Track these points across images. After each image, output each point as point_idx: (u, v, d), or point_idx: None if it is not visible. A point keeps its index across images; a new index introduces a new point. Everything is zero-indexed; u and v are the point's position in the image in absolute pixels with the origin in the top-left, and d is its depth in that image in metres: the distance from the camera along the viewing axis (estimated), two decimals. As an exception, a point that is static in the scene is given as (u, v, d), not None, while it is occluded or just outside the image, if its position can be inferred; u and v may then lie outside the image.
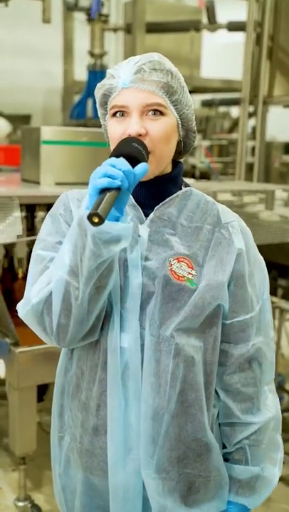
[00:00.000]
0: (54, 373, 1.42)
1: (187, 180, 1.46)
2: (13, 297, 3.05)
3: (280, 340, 3.02)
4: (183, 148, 1.31)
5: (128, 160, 1.10)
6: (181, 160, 1.37)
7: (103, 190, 1.06)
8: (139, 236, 1.25)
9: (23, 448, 2.61)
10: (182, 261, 1.24)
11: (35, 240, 1.32)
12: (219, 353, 1.29)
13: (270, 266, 1.42)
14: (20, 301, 1.25)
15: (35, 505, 2.74)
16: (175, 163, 1.32)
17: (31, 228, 2.70)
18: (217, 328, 1.27)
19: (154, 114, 1.20)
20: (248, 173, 4.19)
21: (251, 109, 4.61)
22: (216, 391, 1.32)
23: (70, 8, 6.26)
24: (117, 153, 1.13)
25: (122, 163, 1.08)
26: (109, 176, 1.06)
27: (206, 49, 7.17)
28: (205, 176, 4.43)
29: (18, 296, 3.02)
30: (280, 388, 3.71)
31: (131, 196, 1.26)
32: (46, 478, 2.96)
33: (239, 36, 6.06)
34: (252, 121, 4.95)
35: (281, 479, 2.93)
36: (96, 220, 1.02)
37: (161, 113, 1.21)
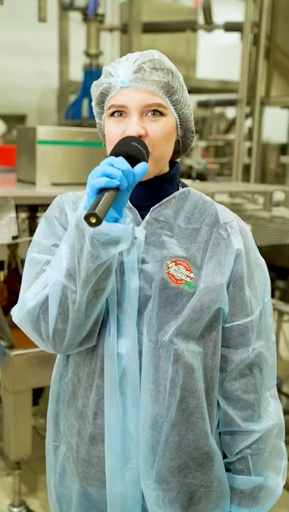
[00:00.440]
0: (50, 377, 1.38)
1: (184, 181, 1.42)
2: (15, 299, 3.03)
3: (278, 342, 2.99)
4: (181, 148, 1.27)
5: (127, 159, 1.07)
6: (178, 160, 1.33)
7: (101, 190, 1.02)
8: (136, 238, 1.21)
9: (18, 452, 2.58)
10: (180, 263, 1.20)
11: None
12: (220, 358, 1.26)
13: (268, 267, 1.39)
14: (15, 306, 1.21)
15: (30, 511, 2.71)
16: (172, 163, 1.28)
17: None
18: (217, 332, 1.23)
19: (154, 114, 1.17)
20: (244, 174, 4.17)
21: (248, 109, 4.59)
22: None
23: (65, 8, 6.23)
24: (116, 153, 1.10)
25: (121, 162, 1.04)
26: (107, 176, 1.03)
27: (202, 50, 7.16)
28: (201, 176, 4.40)
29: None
30: (278, 391, 3.68)
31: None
32: (41, 483, 2.93)
33: (235, 37, 6.05)
34: (248, 122, 4.93)
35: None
36: (93, 220, 0.98)
37: (161, 113, 1.17)
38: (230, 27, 5.80)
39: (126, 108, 1.16)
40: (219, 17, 6.25)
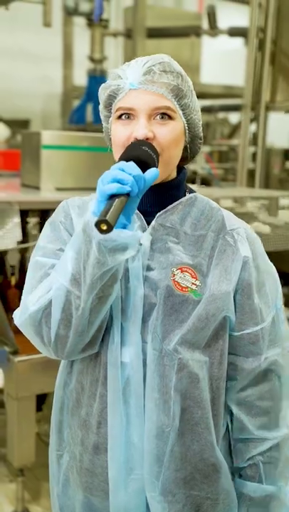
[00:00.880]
0: (53, 383, 1.37)
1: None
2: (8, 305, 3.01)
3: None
4: (188, 154, 1.26)
5: (138, 164, 1.05)
6: (185, 166, 1.31)
7: (112, 196, 1.01)
8: (141, 244, 1.19)
9: (22, 459, 2.56)
10: (186, 271, 1.17)
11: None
12: (229, 366, 1.23)
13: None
14: (17, 309, 1.19)
15: (33, 518, 2.69)
16: (179, 168, 1.26)
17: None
18: (224, 341, 1.21)
19: (162, 117, 1.15)
20: (248, 180, 4.15)
21: (252, 114, 4.58)
22: (228, 406, 1.26)
23: (70, 13, 6.24)
24: (126, 157, 1.08)
25: (132, 167, 1.02)
26: (118, 181, 1.01)
27: (206, 55, 7.16)
28: (206, 182, 4.39)
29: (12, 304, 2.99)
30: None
31: None
32: (45, 490, 2.90)
33: (239, 42, 6.05)
34: (252, 127, 4.92)
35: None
36: (104, 227, 0.97)
37: (170, 117, 1.16)
38: (235, 32, 5.80)
39: (134, 110, 1.15)
40: (223, 22, 6.25)
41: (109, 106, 1.20)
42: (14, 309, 1.23)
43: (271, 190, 4.01)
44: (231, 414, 1.26)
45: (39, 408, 2.81)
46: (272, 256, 1.36)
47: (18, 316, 1.18)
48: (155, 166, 1.09)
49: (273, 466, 1.25)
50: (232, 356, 1.23)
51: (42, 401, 2.88)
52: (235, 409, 1.25)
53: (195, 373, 1.17)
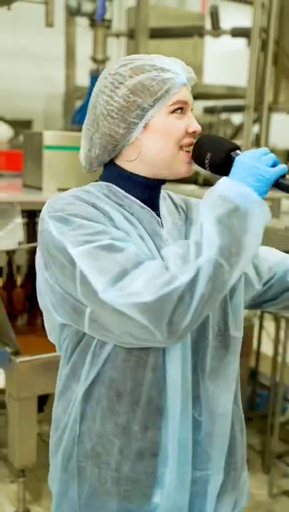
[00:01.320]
0: (55, 384, 1.35)
1: (190, 187, 1.52)
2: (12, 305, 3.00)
3: (286, 351, 2.96)
4: None
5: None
6: None
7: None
8: (166, 240, 1.24)
9: (23, 460, 2.55)
10: None
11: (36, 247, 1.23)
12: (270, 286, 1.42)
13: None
14: (136, 287, 1.03)
15: (35, 519, 2.68)
16: None
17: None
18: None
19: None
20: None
21: (255, 115, 4.56)
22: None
23: (72, 13, 6.22)
24: (232, 147, 1.19)
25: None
26: (276, 163, 1.14)
27: (208, 55, 7.14)
28: (208, 182, 4.38)
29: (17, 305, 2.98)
30: (285, 400, 3.65)
31: (135, 199, 1.24)
32: (46, 490, 2.90)
33: (242, 42, 6.03)
34: (255, 128, 4.90)
35: (287, 493, 2.86)
36: None
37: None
38: (238, 32, 5.77)
39: (187, 105, 1.22)
40: (226, 22, 6.23)
41: (160, 99, 1.18)
42: (20, 309, 1.22)
43: (273, 191, 3.99)
44: None
45: (40, 409, 2.80)
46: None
47: (160, 288, 1.02)
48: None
49: None
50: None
51: (43, 402, 2.88)
52: None
53: (237, 349, 1.30)
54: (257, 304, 1.47)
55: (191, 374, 1.19)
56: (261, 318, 3.60)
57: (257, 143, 4.78)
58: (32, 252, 2.75)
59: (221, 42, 6.62)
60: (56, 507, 1.32)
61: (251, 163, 1.11)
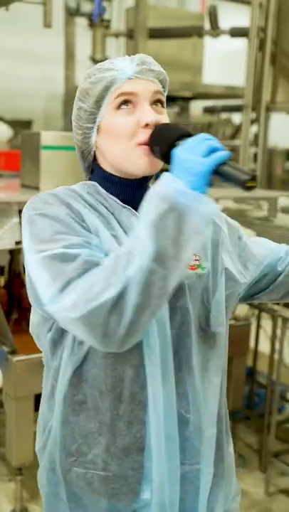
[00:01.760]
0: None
1: None
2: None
3: (282, 350, 2.97)
4: None
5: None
6: None
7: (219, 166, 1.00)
8: None
9: (20, 458, 2.57)
10: None
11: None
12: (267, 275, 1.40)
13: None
14: (68, 300, 1.01)
15: (32, 517, 2.69)
16: None
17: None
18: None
19: (157, 105, 1.18)
20: (250, 180, 4.16)
21: (253, 115, 4.58)
22: None
23: (71, 14, 6.24)
24: (177, 135, 1.07)
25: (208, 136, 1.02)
26: (214, 150, 1.00)
27: (208, 55, 7.15)
28: (207, 182, 4.39)
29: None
30: (282, 399, 3.66)
31: (116, 199, 1.21)
32: (43, 489, 2.91)
33: (241, 42, 6.04)
34: (254, 128, 4.91)
35: (284, 492, 2.87)
36: (254, 184, 0.98)
37: (162, 105, 1.19)
38: (236, 32, 5.78)
39: (136, 96, 1.15)
40: (226, 22, 6.24)
41: (101, 99, 1.18)
42: (27, 308, 1.21)
43: (270, 191, 4.00)
44: None
45: (37, 408, 2.81)
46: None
47: (80, 308, 0.99)
48: None
49: None
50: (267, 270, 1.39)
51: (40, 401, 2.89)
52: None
53: (224, 345, 1.31)
54: (251, 295, 1.43)
55: (174, 370, 1.19)
56: (259, 317, 3.61)
57: (255, 142, 4.80)
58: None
59: (221, 42, 6.63)
60: (47, 507, 1.33)
61: (184, 155, 1.00)
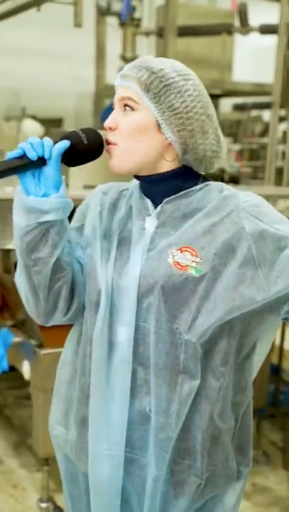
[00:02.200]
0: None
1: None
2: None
3: (281, 349, 2.95)
4: (180, 152, 1.26)
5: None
6: (192, 165, 1.29)
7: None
8: (144, 229, 1.29)
9: (47, 449, 2.62)
10: (185, 250, 1.22)
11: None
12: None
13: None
14: None
15: (58, 507, 2.75)
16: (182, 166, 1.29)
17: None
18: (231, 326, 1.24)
19: (125, 109, 1.26)
20: (277, 178, 4.14)
21: (282, 112, 4.55)
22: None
23: (102, 13, 6.28)
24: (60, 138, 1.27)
25: (34, 138, 1.21)
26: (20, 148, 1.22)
27: (238, 53, 7.12)
28: (234, 180, 4.39)
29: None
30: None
31: (138, 190, 1.35)
32: (69, 480, 2.97)
33: (271, 39, 5.99)
34: (283, 125, 4.89)
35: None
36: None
37: (132, 109, 1.24)
38: (266, 29, 5.75)
39: (116, 102, 1.29)
40: (257, 19, 6.21)
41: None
42: None
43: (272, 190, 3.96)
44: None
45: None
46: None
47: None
48: (82, 145, 1.25)
49: None
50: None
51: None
52: None
53: (200, 352, 1.22)
54: None
55: (132, 365, 1.26)
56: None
57: (284, 140, 4.77)
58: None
59: (250, 39, 6.60)
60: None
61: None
